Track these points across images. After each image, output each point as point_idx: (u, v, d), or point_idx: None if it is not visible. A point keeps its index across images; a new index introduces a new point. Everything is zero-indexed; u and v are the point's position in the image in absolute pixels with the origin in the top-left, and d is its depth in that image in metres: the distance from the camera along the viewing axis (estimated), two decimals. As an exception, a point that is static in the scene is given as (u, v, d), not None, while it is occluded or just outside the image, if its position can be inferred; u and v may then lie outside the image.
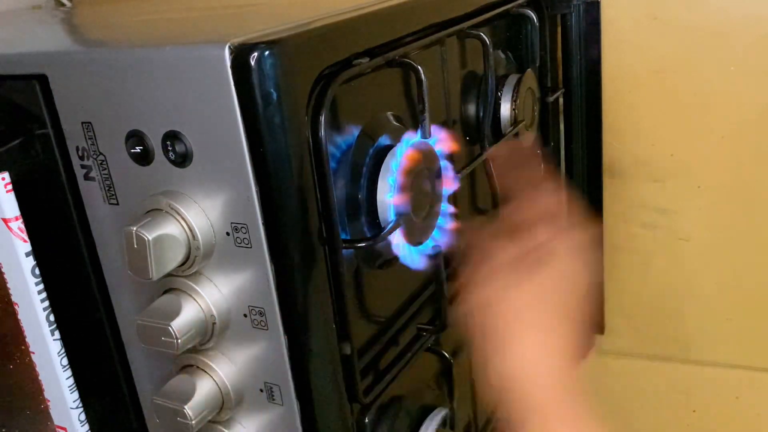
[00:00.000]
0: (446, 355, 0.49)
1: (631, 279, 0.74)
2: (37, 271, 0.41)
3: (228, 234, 0.35)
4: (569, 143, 0.68)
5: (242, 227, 0.35)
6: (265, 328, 0.37)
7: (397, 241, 0.40)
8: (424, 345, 0.47)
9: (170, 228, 0.35)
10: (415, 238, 0.42)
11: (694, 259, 0.71)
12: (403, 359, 0.44)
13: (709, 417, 0.76)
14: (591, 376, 0.78)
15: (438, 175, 0.43)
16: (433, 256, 0.44)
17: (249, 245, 0.35)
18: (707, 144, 0.68)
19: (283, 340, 0.37)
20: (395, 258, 0.43)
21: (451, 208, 0.44)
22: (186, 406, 0.37)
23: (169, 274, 0.37)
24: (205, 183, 0.35)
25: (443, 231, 0.44)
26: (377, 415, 0.45)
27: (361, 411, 0.41)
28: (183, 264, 0.36)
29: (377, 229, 0.39)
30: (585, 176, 0.70)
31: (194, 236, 0.35)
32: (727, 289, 0.71)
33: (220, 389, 0.39)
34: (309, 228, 0.35)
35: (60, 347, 0.43)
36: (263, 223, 0.34)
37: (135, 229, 0.34)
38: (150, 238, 0.34)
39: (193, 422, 0.37)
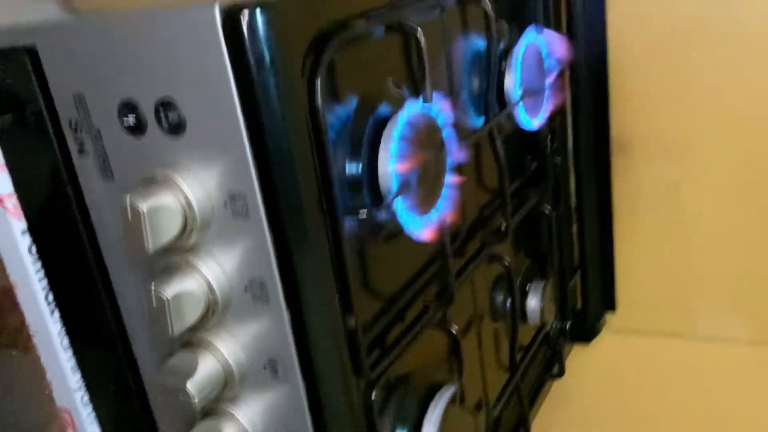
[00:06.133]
0: (453, 331, 0.48)
1: (641, 256, 0.72)
2: (34, 250, 0.40)
3: (225, 204, 0.35)
4: (576, 118, 0.67)
5: (240, 197, 0.34)
6: (267, 301, 0.36)
7: (401, 211, 0.39)
8: (431, 320, 0.46)
9: (165, 198, 0.34)
10: (419, 208, 0.41)
11: (705, 235, 0.69)
12: (410, 334, 0.43)
13: (722, 394, 0.74)
14: (602, 354, 0.77)
15: (441, 144, 0.42)
16: (438, 228, 0.43)
17: (247, 215, 0.34)
18: (719, 117, 0.66)
19: (284, 313, 0.36)
20: (400, 231, 0.42)
21: (456, 179, 0.43)
22: (188, 384, 0.37)
23: (168, 250, 0.36)
24: (201, 152, 0.34)
25: (448, 202, 0.43)
26: (385, 392, 0.45)
27: (368, 386, 0.40)
28: (180, 236, 0.35)
29: (380, 199, 0.38)
30: (593, 152, 0.68)
31: (190, 206, 0.34)
32: (740, 265, 0.70)
33: (222, 366, 0.38)
34: (308, 197, 0.34)
35: (60, 327, 0.42)
36: (261, 193, 0.34)
37: (129, 200, 0.33)
38: (144, 209, 0.33)
39: (196, 400, 0.37)
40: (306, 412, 0.38)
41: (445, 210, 0.43)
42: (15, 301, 0.42)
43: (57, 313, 0.42)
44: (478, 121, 0.52)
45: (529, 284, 0.64)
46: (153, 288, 0.35)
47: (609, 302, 0.75)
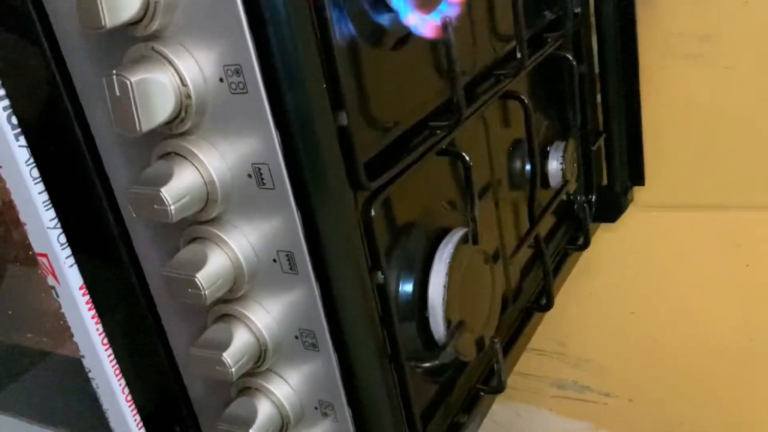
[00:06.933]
0: (464, 155, 0.43)
1: (672, 120, 0.67)
2: (-9, 65, 0.36)
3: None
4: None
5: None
6: (244, 91, 0.32)
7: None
8: (438, 144, 0.41)
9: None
10: (420, 2, 0.36)
11: (741, 89, 0.63)
12: (415, 153, 0.39)
13: (765, 271, 0.70)
14: (632, 232, 0.72)
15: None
16: (443, 30, 0.38)
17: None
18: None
19: (265, 105, 0.32)
20: (407, 36, 0.38)
21: (461, -21, 0.39)
22: (162, 191, 0.33)
23: (130, 38, 0.32)
24: None
25: (452, 3, 0.38)
26: (390, 231, 0.41)
27: (367, 202, 0.36)
28: (142, 17, 0.31)
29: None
30: (615, 3, 0.63)
31: (150, -26, 0.30)
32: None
33: (205, 181, 0.34)
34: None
35: (28, 156, 0.38)
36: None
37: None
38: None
39: (172, 208, 0.33)
40: (298, 226, 0.34)
41: (449, 10, 0.38)
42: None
43: (23, 139, 0.38)
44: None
45: (549, 146, 0.59)
46: (115, 73, 0.30)
47: (637, 175, 0.69)
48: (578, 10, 0.60)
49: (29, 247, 0.41)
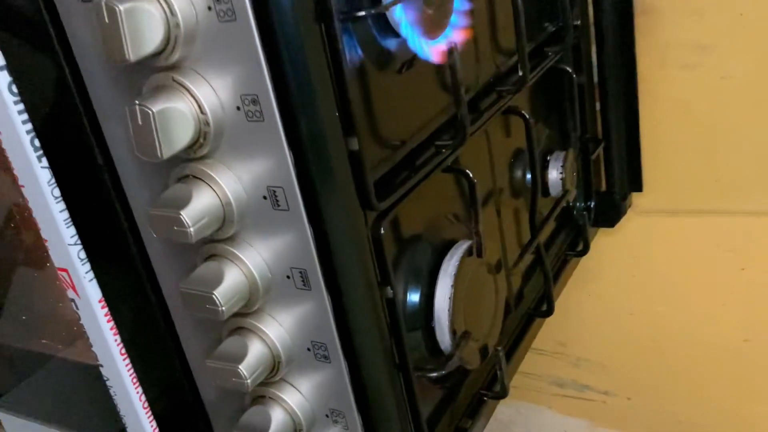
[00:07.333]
0: (469, 173, 0.45)
1: (669, 128, 0.68)
2: (14, 89, 0.38)
3: (210, 7, 0.32)
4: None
5: (224, -5, 0.31)
6: (261, 119, 0.33)
7: (405, 25, 0.36)
8: (444, 162, 0.43)
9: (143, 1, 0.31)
10: (427, 29, 0.37)
11: (738, 99, 0.65)
12: (422, 171, 0.41)
13: (760, 275, 0.71)
14: (630, 237, 0.74)
15: (448, -39, 0.38)
16: (449, 54, 0.39)
17: (233, 16, 0.31)
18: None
19: (281, 133, 0.33)
20: (413, 59, 0.39)
21: (466, 4, 0.40)
22: (183, 213, 0.34)
23: (153, 68, 0.33)
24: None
25: (457, 29, 0.40)
26: (398, 246, 0.42)
27: (377, 221, 0.38)
28: (164, 48, 0.32)
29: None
30: (614, 15, 0.64)
31: (172, 11, 0.31)
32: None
33: (221, 201, 0.36)
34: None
35: (50, 176, 0.40)
36: (247, -12, 0.31)
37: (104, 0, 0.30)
38: (121, 8, 0.30)
39: (192, 229, 0.34)
40: (311, 245, 0.36)
41: (455, 36, 0.39)
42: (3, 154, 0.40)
43: (45, 161, 0.39)
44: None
45: (549, 155, 0.61)
46: (137, 104, 0.32)
47: (635, 181, 0.71)
48: (578, 22, 0.62)
49: (38, 250, 0.42)
